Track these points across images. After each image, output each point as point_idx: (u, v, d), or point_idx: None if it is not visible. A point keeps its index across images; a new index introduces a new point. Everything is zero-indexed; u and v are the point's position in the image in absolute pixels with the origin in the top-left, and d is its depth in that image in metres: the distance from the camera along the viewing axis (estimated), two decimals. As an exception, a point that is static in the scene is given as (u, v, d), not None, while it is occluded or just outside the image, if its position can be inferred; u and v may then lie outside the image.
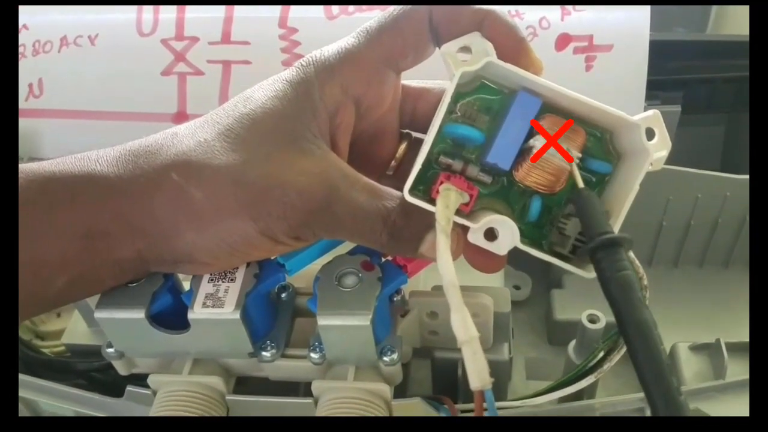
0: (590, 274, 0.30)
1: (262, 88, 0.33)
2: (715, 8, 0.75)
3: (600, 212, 0.30)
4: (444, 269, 0.28)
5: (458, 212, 0.31)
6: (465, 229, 0.31)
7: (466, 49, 0.31)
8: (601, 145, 0.32)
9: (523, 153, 0.31)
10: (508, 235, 0.30)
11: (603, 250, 0.28)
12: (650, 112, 0.31)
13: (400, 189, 0.31)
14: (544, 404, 0.37)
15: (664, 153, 0.31)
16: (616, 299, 0.27)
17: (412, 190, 0.30)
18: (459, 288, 0.28)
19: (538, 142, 0.30)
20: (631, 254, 0.31)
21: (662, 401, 0.25)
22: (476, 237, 0.30)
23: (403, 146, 0.36)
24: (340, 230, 0.32)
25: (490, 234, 0.30)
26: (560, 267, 0.31)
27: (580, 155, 0.31)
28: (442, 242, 0.28)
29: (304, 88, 0.32)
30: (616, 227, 0.30)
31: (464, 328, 0.27)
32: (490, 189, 0.32)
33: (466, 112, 0.32)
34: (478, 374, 0.27)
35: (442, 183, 0.30)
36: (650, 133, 0.31)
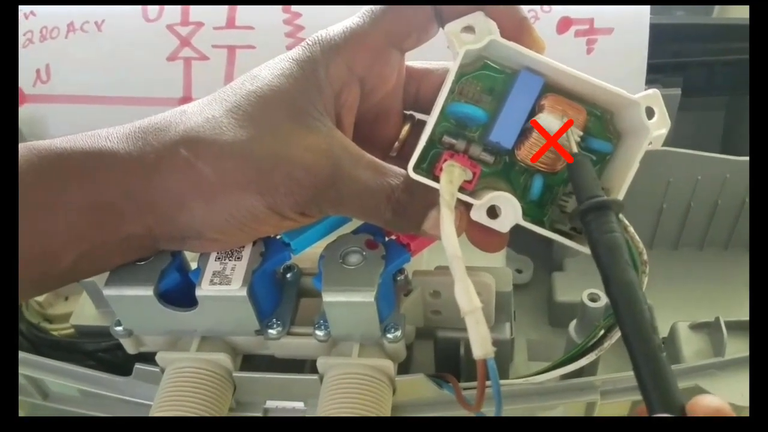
0: (587, 249, 0.31)
1: (268, 67, 0.33)
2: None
3: (592, 177, 0.30)
4: (448, 242, 0.29)
5: (461, 190, 0.31)
6: (468, 208, 0.32)
7: (469, 29, 0.31)
8: (602, 124, 0.32)
9: (525, 132, 0.31)
10: (510, 213, 0.31)
11: (592, 212, 0.29)
12: (650, 90, 0.31)
13: (404, 169, 0.31)
14: (546, 381, 0.37)
15: (663, 131, 0.31)
16: (603, 260, 0.28)
17: (416, 168, 0.31)
18: (462, 260, 0.28)
19: (541, 120, 0.31)
20: (631, 229, 0.32)
21: (643, 358, 0.26)
22: (479, 214, 0.31)
23: (406, 127, 0.37)
24: (346, 206, 0.33)
25: (493, 211, 0.31)
26: (562, 247, 0.32)
27: (581, 133, 0.31)
28: (446, 215, 0.29)
29: (310, 66, 0.33)
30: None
31: (468, 298, 0.28)
32: (492, 168, 0.33)
33: (470, 92, 0.32)
34: (480, 343, 0.27)
35: (446, 160, 0.31)
36: (650, 112, 0.31)
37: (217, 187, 0.32)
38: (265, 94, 0.32)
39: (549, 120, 0.31)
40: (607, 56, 0.47)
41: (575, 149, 0.31)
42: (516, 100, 0.31)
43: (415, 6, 0.32)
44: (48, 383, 0.43)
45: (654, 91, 0.31)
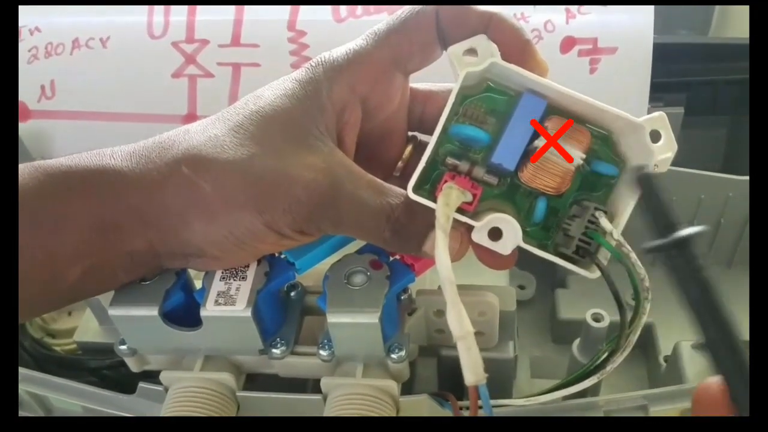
0: (594, 274, 0.31)
1: (271, 87, 0.34)
2: (717, 11, 0.75)
3: (668, 202, 0.28)
4: (441, 265, 0.29)
5: (462, 212, 0.31)
6: (469, 229, 0.32)
7: (472, 52, 0.32)
8: (608, 147, 0.32)
9: (529, 154, 0.31)
10: (511, 234, 0.31)
11: (677, 248, 0.26)
12: (656, 114, 0.32)
13: (406, 189, 0.32)
14: (548, 402, 0.37)
15: (669, 155, 0.31)
16: (695, 300, 0.26)
17: (418, 190, 0.31)
18: (455, 284, 0.28)
19: (542, 142, 0.31)
20: (633, 255, 0.31)
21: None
22: (480, 236, 0.31)
23: (409, 148, 0.37)
24: (345, 226, 0.33)
25: (495, 233, 0.31)
26: (566, 268, 0.32)
27: (583, 156, 0.31)
28: (440, 238, 0.29)
29: (313, 87, 0.33)
30: (620, 228, 0.31)
31: (460, 323, 0.28)
32: (496, 190, 0.33)
33: (473, 114, 0.32)
34: (472, 369, 0.27)
35: (446, 182, 0.31)
36: (656, 135, 0.31)
37: (217, 205, 0.32)
38: (267, 114, 0.33)
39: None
40: (611, 76, 0.47)
41: (651, 167, 0.30)
42: (518, 122, 0.31)
43: (418, 28, 0.33)
44: (51, 400, 0.43)
45: (660, 114, 0.31)
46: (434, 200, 0.31)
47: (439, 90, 0.36)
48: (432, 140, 0.32)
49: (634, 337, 0.33)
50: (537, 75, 0.31)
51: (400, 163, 0.37)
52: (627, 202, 0.31)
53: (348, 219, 0.32)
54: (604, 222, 0.31)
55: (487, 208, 0.32)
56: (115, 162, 0.33)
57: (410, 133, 0.37)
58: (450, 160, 0.32)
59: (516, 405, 0.38)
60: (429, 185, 0.32)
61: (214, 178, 0.32)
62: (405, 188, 0.32)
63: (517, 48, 0.32)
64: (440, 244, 0.29)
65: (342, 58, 0.33)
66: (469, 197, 0.31)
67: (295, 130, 0.32)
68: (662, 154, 0.31)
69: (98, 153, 0.34)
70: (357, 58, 0.33)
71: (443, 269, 0.29)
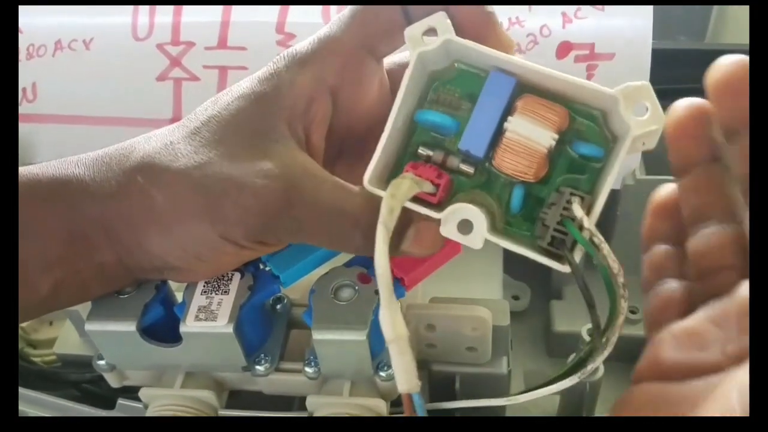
0: (566, 268, 0.28)
1: (231, 90, 0.32)
2: (714, 14, 0.74)
3: None
4: (378, 262, 0.27)
5: (426, 204, 0.29)
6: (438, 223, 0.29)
7: (432, 32, 0.29)
8: (595, 124, 0.30)
9: (499, 138, 0.29)
10: (478, 225, 0.28)
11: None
12: (638, 83, 0.28)
13: None
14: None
15: (654, 127, 0.28)
16: None
17: (382, 183, 0.29)
18: (391, 283, 0.26)
19: (510, 124, 0.28)
20: (606, 246, 0.28)
21: None
22: (449, 230, 0.29)
23: None
24: (307, 234, 0.31)
25: (465, 226, 0.29)
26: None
27: (555, 135, 0.29)
28: (380, 232, 0.27)
29: (273, 83, 0.31)
30: (593, 216, 0.28)
31: (392, 325, 0.26)
32: (474, 181, 0.30)
33: (446, 100, 0.30)
34: (405, 376, 0.25)
35: (407, 172, 0.29)
36: (643, 108, 0.28)
37: (169, 216, 0.31)
38: (223, 118, 0.31)
39: (519, 124, 0.28)
40: (608, 82, 0.46)
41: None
42: (486, 104, 0.29)
43: (382, 6, 0.31)
44: (30, 414, 0.41)
45: (642, 84, 0.28)
46: None
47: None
48: (384, 133, 0.29)
49: (614, 337, 0.31)
50: (499, 51, 0.29)
51: None
52: (601, 188, 0.28)
53: (309, 227, 0.31)
54: (575, 208, 0.28)
55: (467, 200, 0.30)
56: (79, 171, 0.32)
57: None
58: (422, 151, 0.30)
59: (497, 405, 0.36)
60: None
61: (166, 189, 0.31)
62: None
63: (476, 24, 0.30)
64: (379, 238, 0.27)
65: (306, 48, 0.32)
66: (428, 187, 0.29)
67: (250, 134, 0.31)
68: (645, 127, 0.28)
69: (65, 161, 0.33)
70: (322, 45, 0.32)
71: (380, 266, 0.26)
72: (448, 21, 0.29)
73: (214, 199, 0.30)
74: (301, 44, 0.32)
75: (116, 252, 0.32)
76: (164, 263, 0.33)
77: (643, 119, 0.28)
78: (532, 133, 0.28)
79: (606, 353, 0.31)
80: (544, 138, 0.28)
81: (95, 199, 0.32)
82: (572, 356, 0.44)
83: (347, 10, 0.32)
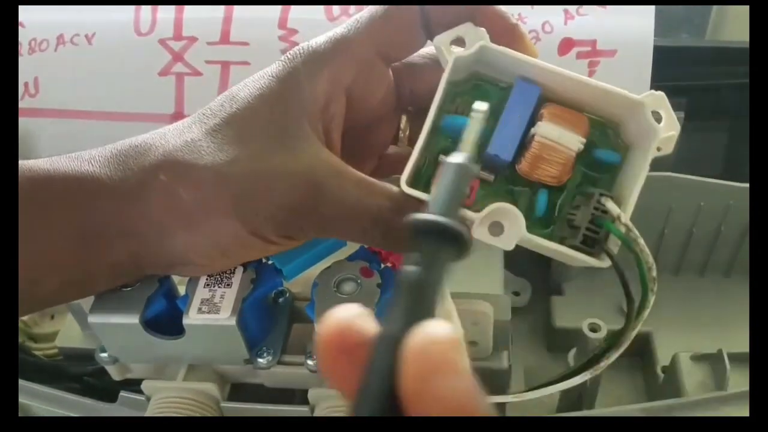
0: (604, 263, 0.29)
1: (247, 86, 0.32)
2: (714, 13, 0.74)
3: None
4: None
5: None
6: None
7: (459, 41, 0.31)
8: (608, 134, 0.31)
9: (525, 146, 0.30)
10: (514, 226, 0.29)
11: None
12: (655, 92, 0.30)
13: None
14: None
15: (672, 133, 0.30)
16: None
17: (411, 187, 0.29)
18: None
19: (540, 129, 0.29)
20: (642, 241, 0.29)
21: None
22: (481, 232, 0.29)
23: (404, 119, 0.36)
24: (331, 229, 0.32)
25: (495, 228, 0.29)
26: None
27: (583, 140, 0.30)
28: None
29: (292, 82, 0.31)
30: (628, 213, 0.29)
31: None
32: (494, 187, 0.31)
33: (465, 110, 0.31)
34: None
35: None
36: (657, 116, 0.30)
37: (197, 214, 0.31)
38: (245, 116, 0.31)
39: (549, 129, 0.29)
40: (610, 79, 0.46)
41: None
42: (513, 111, 0.30)
43: (402, 14, 0.32)
44: (32, 407, 0.41)
45: (660, 93, 0.30)
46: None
47: (418, 62, 0.35)
48: (421, 136, 0.30)
49: (634, 332, 0.31)
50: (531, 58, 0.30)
51: (401, 134, 0.36)
52: (632, 188, 0.29)
53: (333, 222, 0.31)
54: (611, 206, 0.29)
55: (485, 206, 0.30)
56: (93, 168, 0.32)
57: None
58: (443, 158, 0.31)
59: (507, 401, 0.36)
60: (422, 185, 0.30)
61: (193, 186, 0.31)
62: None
63: (504, 33, 0.31)
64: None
65: (322, 47, 0.32)
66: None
67: (274, 131, 0.31)
68: (665, 133, 0.30)
69: (76, 157, 0.33)
70: (339, 46, 0.32)
71: None
72: (481, 29, 0.31)
73: (245, 197, 0.30)
74: (317, 41, 0.32)
75: (130, 251, 0.32)
76: (185, 260, 0.33)
77: (661, 126, 0.30)
78: (561, 138, 0.30)
79: (622, 349, 0.31)
80: (573, 142, 0.30)
81: (113, 198, 0.31)
82: (572, 351, 0.45)
83: (366, 12, 0.32)
